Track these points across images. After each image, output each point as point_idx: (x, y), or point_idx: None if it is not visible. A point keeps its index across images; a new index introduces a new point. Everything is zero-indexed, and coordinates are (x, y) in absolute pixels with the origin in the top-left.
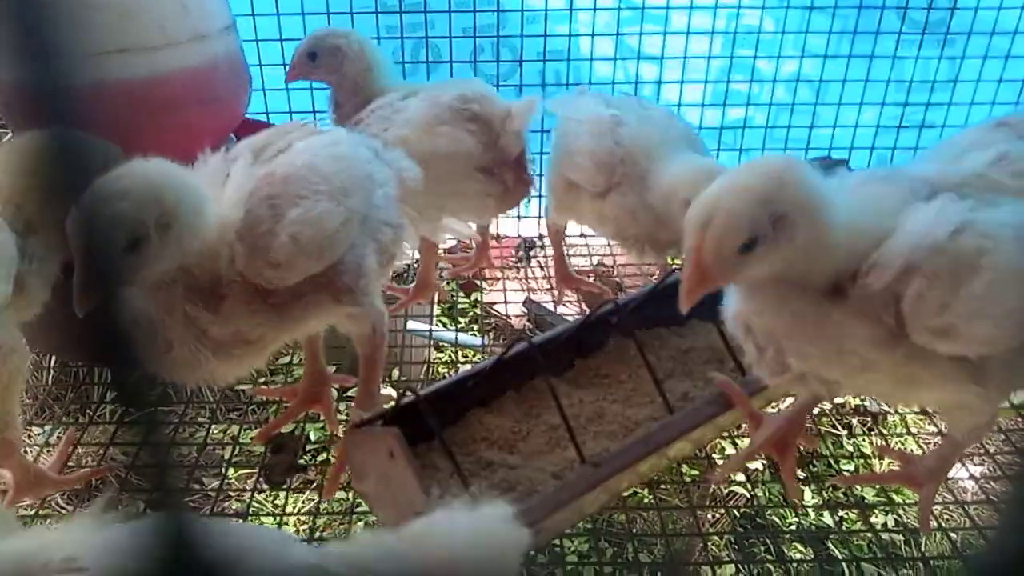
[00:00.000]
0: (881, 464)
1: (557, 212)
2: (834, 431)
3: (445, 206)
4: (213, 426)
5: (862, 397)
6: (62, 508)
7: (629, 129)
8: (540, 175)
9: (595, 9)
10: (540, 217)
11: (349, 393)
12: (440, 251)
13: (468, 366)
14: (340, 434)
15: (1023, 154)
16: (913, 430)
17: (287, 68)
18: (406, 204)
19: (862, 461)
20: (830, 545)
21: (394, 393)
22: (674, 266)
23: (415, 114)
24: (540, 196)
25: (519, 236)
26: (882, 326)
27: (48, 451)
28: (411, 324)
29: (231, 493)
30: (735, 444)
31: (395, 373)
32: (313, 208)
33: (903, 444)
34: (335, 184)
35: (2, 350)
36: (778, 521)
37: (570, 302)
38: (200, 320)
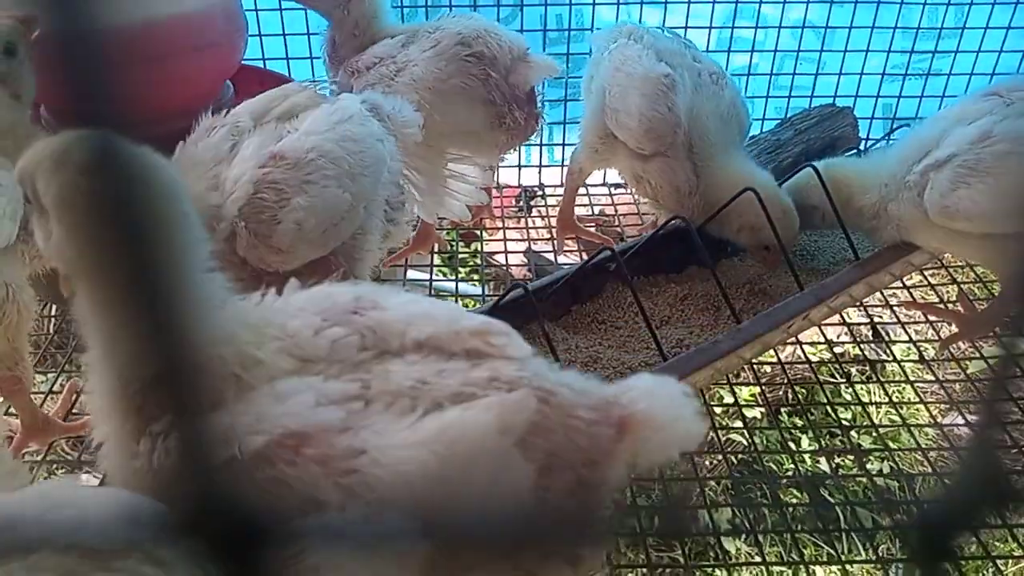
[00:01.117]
0: (878, 412)
1: (588, 159)
2: (832, 379)
3: (454, 149)
4: None
5: (861, 345)
6: (67, 454)
7: (684, 96)
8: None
9: None
10: (541, 166)
11: None
12: None
13: None
14: None
15: (1007, 133)
16: (912, 378)
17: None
18: (413, 156)
19: (860, 409)
20: (826, 491)
21: None
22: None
23: (419, 73)
24: (540, 145)
25: (520, 186)
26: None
27: (52, 399)
28: (411, 274)
29: None
30: (733, 393)
31: None
32: (319, 195)
33: (900, 392)
34: (343, 167)
35: (10, 288)
36: (775, 467)
37: (571, 251)
38: None
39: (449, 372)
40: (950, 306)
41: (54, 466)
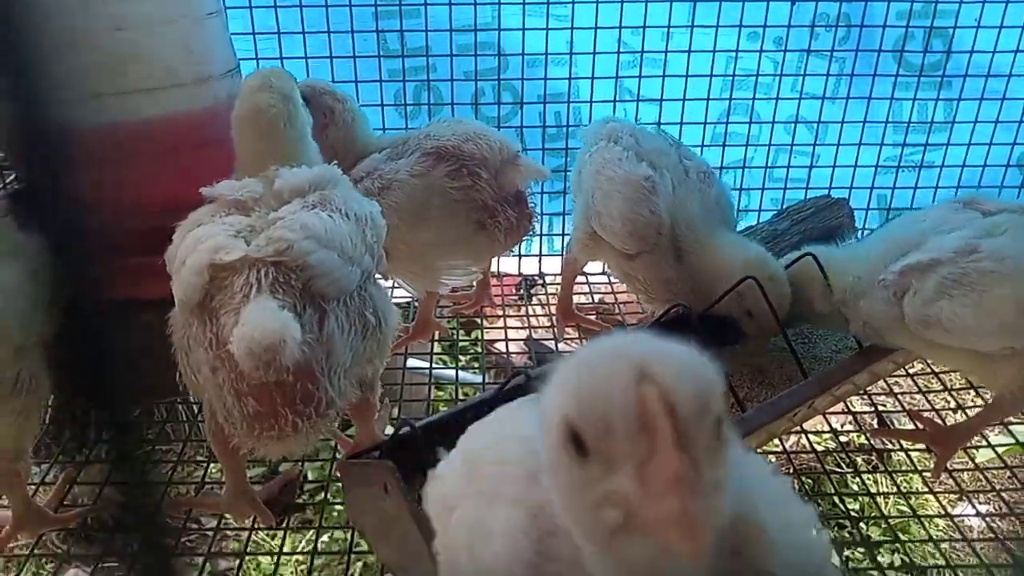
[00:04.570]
0: (887, 502)
1: (581, 252)
2: (839, 468)
3: (450, 258)
4: (211, 465)
5: (867, 436)
6: (56, 547)
7: (665, 196)
8: (541, 213)
9: (595, 53)
10: (541, 255)
11: (349, 431)
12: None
13: None
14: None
15: (994, 251)
16: (919, 467)
17: None
18: (413, 263)
19: (868, 499)
20: None
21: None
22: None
23: (400, 197)
24: (541, 235)
25: (520, 274)
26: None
27: (45, 490)
28: (411, 362)
29: (228, 532)
30: None
31: (395, 411)
32: None
33: (909, 481)
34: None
35: (29, 383)
36: None
37: (572, 340)
38: None
39: None
40: (954, 393)
41: (43, 560)
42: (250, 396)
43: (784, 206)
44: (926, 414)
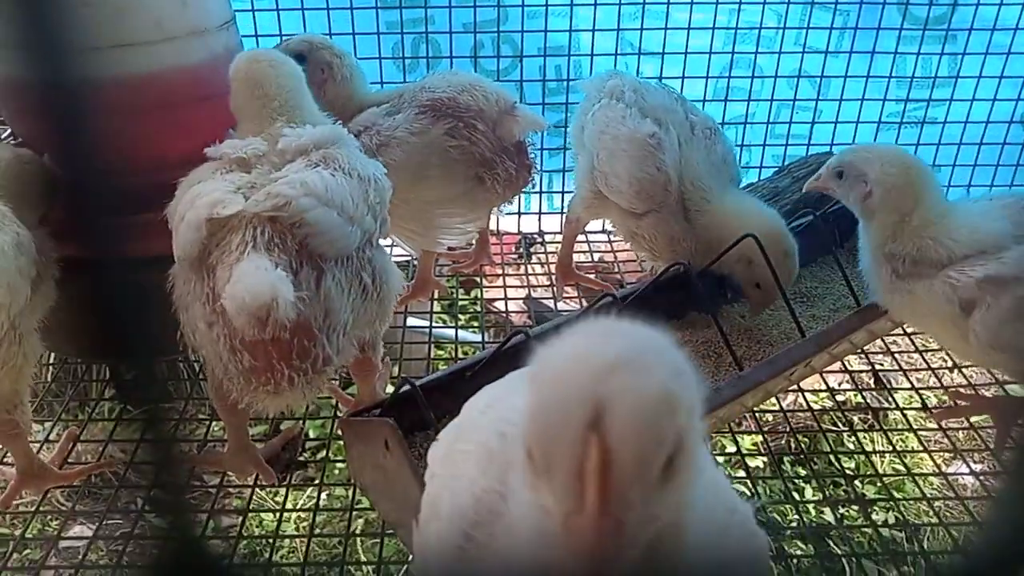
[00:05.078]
0: (882, 461)
1: (584, 210)
2: (835, 427)
3: (448, 213)
4: (213, 423)
5: (863, 393)
6: (61, 504)
7: (672, 153)
8: (541, 170)
9: (595, 5)
10: (540, 213)
11: (350, 390)
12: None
13: None
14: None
15: None
16: (915, 426)
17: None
18: (411, 221)
19: (863, 458)
20: (831, 542)
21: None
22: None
23: (400, 156)
24: (540, 192)
25: (519, 232)
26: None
27: (48, 448)
28: (411, 321)
29: (231, 490)
30: (736, 442)
31: (396, 370)
32: None
33: (904, 440)
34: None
35: (17, 331)
36: (779, 518)
37: (571, 299)
38: None
39: None
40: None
41: (48, 516)
42: (245, 352)
43: (785, 163)
44: (923, 373)
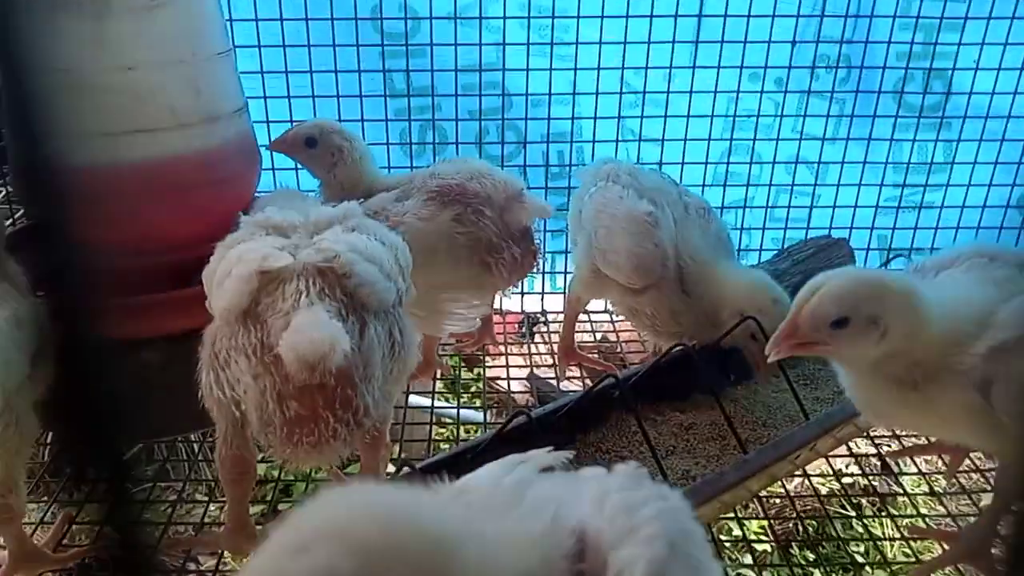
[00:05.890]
0: (891, 547)
1: (584, 290)
2: (843, 512)
3: (454, 296)
4: (211, 504)
5: (871, 477)
6: None
7: (668, 231)
8: (544, 251)
9: (597, 93)
10: (543, 293)
11: (348, 470)
12: None
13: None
14: None
15: None
16: (923, 511)
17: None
18: (416, 305)
19: (871, 543)
20: None
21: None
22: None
23: (409, 241)
24: (544, 273)
25: (522, 312)
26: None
27: (43, 529)
28: (413, 399)
29: (227, 573)
30: (741, 526)
31: (396, 449)
32: None
33: (914, 524)
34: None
35: (14, 413)
36: None
37: (574, 378)
38: None
39: None
40: None
41: None
42: (293, 399)
43: (785, 246)
44: (931, 456)
